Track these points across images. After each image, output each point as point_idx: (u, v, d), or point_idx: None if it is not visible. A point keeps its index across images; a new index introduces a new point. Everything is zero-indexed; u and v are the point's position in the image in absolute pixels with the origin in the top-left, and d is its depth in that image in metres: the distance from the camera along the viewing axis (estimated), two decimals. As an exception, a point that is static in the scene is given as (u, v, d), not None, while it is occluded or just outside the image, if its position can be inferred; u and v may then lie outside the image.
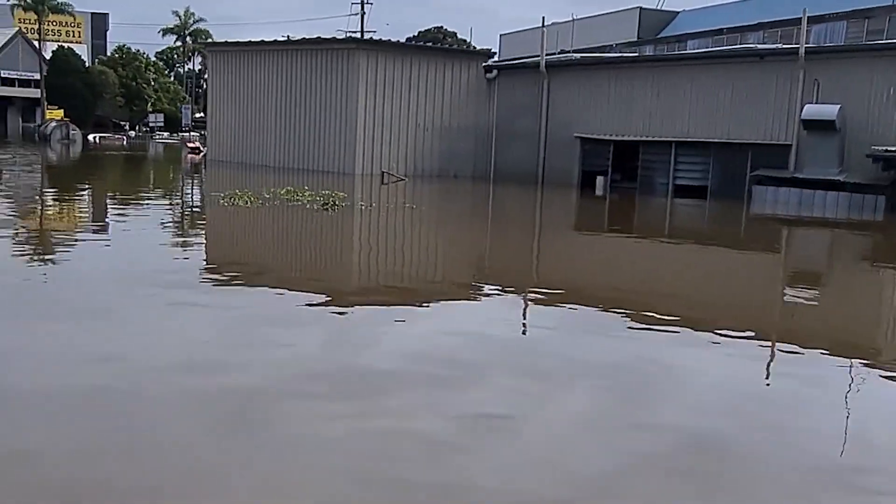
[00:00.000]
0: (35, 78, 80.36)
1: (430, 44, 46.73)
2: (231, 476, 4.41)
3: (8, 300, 8.36)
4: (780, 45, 28.75)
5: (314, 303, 8.91)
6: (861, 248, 17.26)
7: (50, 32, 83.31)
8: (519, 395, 5.94)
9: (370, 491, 4.30)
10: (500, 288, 10.39)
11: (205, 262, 11.77)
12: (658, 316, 8.56)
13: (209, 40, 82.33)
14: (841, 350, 7.63)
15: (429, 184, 28.98)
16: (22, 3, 75.72)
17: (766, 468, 4.80)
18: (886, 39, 29.83)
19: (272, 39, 36.09)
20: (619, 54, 34.28)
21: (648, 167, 28.27)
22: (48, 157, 42.24)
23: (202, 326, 7.59)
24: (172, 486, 4.28)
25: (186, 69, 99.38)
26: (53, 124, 59.99)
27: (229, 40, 37.17)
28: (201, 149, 46.71)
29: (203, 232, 16.02)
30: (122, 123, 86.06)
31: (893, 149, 21.44)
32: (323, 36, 33.95)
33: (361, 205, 19.61)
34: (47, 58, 79.20)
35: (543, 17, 31.81)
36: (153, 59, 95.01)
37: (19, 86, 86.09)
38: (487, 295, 9.99)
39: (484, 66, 32.81)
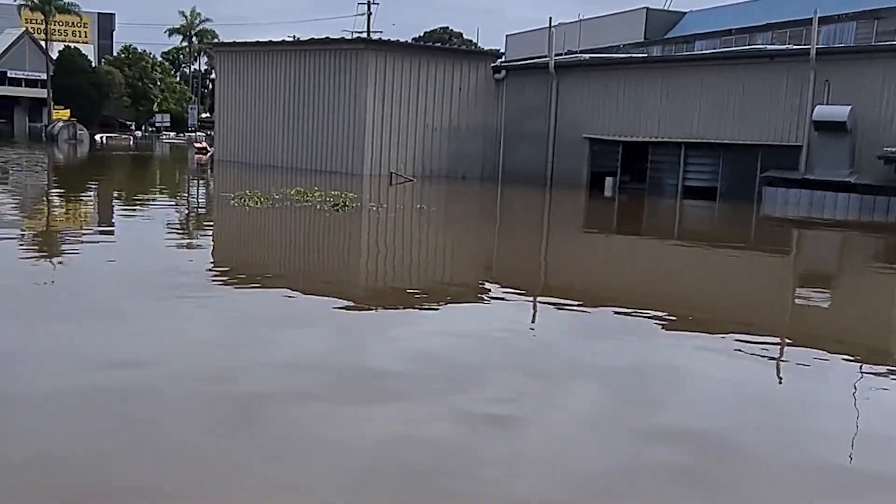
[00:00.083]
0: (42, 78, 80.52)
1: (437, 44, 46.60)
2: (236, 476, 4.41)
3: (19, 302, 8.34)
4: (790, 46, 28.71)
5: (332, 305, 8.89)
6: (873, 250, 17.19)
7: (56, 32, 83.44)
8: (526, 397, 5.94)
9: (373, 490, 4.30)
10: (513, 290, 10.34)
11: (218, 264, 11.72)
12: (670, 318, 8.54)
13: (216, 40, 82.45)
14: (854, 352, 7.59)
15: (437, 185, 28.94)
16: (29, 3, 75.85)
17: (771, 470, 4.77)
18: (896, 40, 29.72)
19: (280, 39, 36.11)
20: (629, 55, 34.19)
21: (658, 168, 28.20)
22: (56, 158, 42.28)
23: (215, 327, 7.56)
24: (180, 486, 4.29)
25: (192, 69, 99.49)
26: (61, 124, 60.09)
27: (237, 40, 37.17)
28: (208, 149, 46.74)
29: (215, 233, 15.98)
30: (129, 123, 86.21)
31: (905, 150, 21.37)
32: (328, 36, 33.93)
33: (371, 206, 19.57)
34: (54, 58, 79.34)
35: (550, 18, 31.76)
36: (159, 59, 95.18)
37: (26, 86, 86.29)
38: (501, 297, 9.93)
39: (492, 67, 32.76)
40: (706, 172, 27.03)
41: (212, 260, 12.17)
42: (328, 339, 7.43)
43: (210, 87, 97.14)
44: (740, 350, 7.41)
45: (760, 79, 25.58)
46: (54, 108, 73.49)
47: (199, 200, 23.73)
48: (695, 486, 4.58)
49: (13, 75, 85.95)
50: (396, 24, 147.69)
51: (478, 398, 5.79)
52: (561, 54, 32.80)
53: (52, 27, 79.76)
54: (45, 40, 78.74)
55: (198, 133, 69.67)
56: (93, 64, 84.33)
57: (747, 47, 32.66)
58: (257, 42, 35.61)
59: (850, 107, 22.54)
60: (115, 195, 23.95)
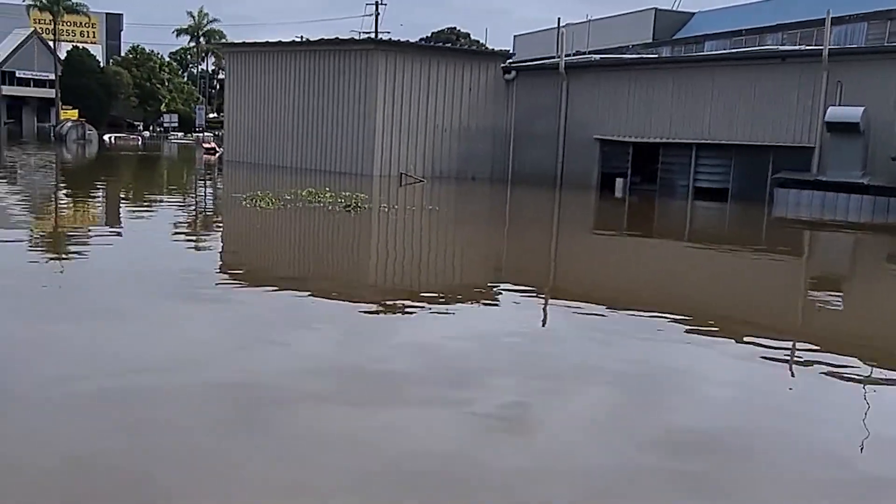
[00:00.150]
0: (50, 78, 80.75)
1: (447, 45, 46.57)
2: (243, 475, 4.41)
3: (32, 302, 8.33)
4: (802, 47, 28.61)
5: (348, 306, 8.87)
6: (887, 252, 17.10)
7: (65, 33, 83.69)
8: (539, 400, 5.94)
9: (378, 489, 4.30)
10: (528, 292, 10.31)
11: (233, 266, 11.69)
12: (688, 321, 8.49)
13: (223, 41, 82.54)
14: (870, 355, 7.53)
15: (447, 185, 28.90)
16: (37, 3, 76.03)
17: (778, 474, 4.75)
18: (909, 41, 29.62)
19: (290, 40, 36.11)
20: (640, 55, 34.10)
21: (668, 169, 28.12)
22: (66, 158, 42.34)
23: (231, 328, 7.55)
24: (189, 485, 4.32)
25: (200, 69, 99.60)
26: (69, 124, 60.16)
27: (247, 41, 37.18)
28: (217, 149, 46.76)
29: (229, 235, 15.95)
30: (136, 124, 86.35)
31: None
32: (338, 36, 33.90)
33: (383, 207, 19.54)
34: (62, 58, 79.53)
35: (559, 19, 31.83)
36: (167, 59, 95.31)
37: (34, 86, 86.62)
38: (518, 299, 9.89)
39: (503, 67, 32.70)
40: (717, 174, 26.94)
41: (226, 261, 12.13)
42: (343, 339, 7.43)
43: (217, 87, 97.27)
44: (765, 357, 7.35)
45: (772, 79, 25.49)
46: (62, 108, 73.67)
47: (211, 201, 23.72)
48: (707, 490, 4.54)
49: (22, 75, 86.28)
50: (404, 25, 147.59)
51: (489, 400, 5.77)
52: (569, 55, 32.74)
53: (61, 27, 79.95)
54: (54, 40, 78.92)
55: (205, 133, 69.74)
56: (101, 64, 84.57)
57: (759, 48, 32.52)
58: (267, 42, 35.61)
59: (863, 108, 22.43)
60: (128, 196, 23.93)
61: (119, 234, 14.91)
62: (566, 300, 9.73)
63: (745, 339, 7.85)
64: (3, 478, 4.28)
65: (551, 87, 30.98)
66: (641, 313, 8.95)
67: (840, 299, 11.32)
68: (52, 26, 78.09)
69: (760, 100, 25.69)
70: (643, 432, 5.32)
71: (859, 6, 36.60)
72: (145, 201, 21.58)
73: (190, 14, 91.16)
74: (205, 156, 45.63)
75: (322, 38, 33.56)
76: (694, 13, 58.46)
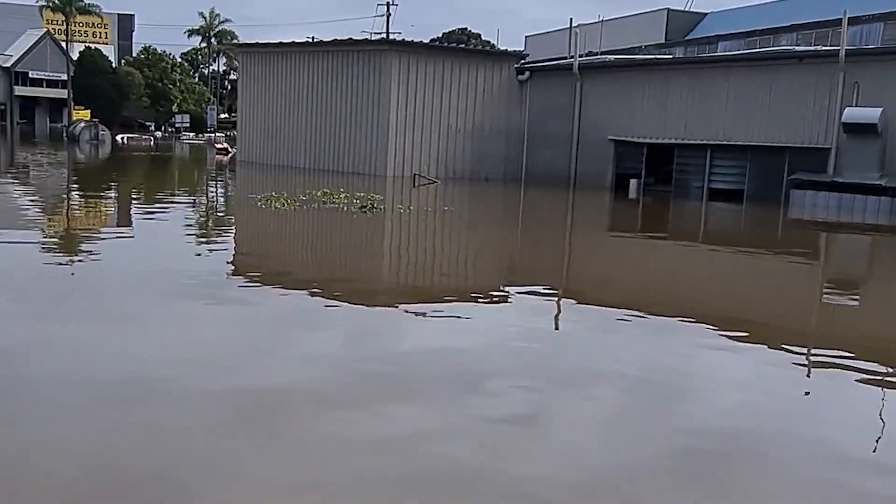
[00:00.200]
0: (62, 78, 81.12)
1: (461, 45, 46.52)
2: (252, 474, 4.43)
3: (48, 304, 8.32)
4: (818, 47, 28.45)
5: (369, 307, 8.85)
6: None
7: (77, 33, 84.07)
8: (544, 398, 5.95)
9: (385, 489, 4.32)
10: (548, 294, 10.24)
11: (251, 267, 11.67)
12: (701, 322, 8.42)
13: (235, 41, 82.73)
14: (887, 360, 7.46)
15: (461, 186, 28.84)
16: (50, 4, 76.35)
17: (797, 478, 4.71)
18: (925, 41, 29.44)
19: (303, 41, 36.13)
20: (654, 56, 33.98)
21: (683, 170, 28.00)
22: (79, 158, 42.47)
23: (250, 329, 7.53)
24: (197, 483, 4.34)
25: (211, 70, 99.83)
26: (83, 125, 60.35)
27: (260, 41, 37.21)
28: (230, 150, 46.83)
29: (246, 236, 15.94)
30: (148, 124, 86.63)
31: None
32: (351, 37, 33.87)
33: (398, 208, 19.51)
34: (74, 58, 79.88)
35: (571, 19, 31.84)
36: (178, 59, 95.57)
37: (47, 86, 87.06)
38: (542, 301, 9.83)
39: (516, 68, 32.62)
40: (733, 175, 26.80)
41: (244, 263, 12.11)
42: (360, 341, 7.43)
43: (228, 87, 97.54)
44: (794, 362, 7.29)
45: (788, 80, 25.35)
46: (75, 109, 73.97)
47: (226, 202, 23.71)
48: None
49: (34, 76, 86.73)
50: (415, 26, 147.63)
51: (503, 400, 5.72)
52: (582, 55, 32.67)
53: (73, 28, 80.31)
54: (66, 41, 79.27)
55: (217, 134, 69.88)
56: (113, 65, 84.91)
57: (775, 48, 32.40)
58: (280, 43, 35.63)
59: (881, 109, 22.29)
60: (145, 196, 23.92)
61: (137, 234, 14.90)
62: (596, 304, 9.66)
63: (771, 343, 7.77)
64: (18, 478, 4.28)
65: (565, 87, 30.90)
66: (662, 317, 8.87)
67: (860, 302, 11.21)
68: (65, 27, 78.40)
69: (776, 100, 25.56)
70: (658, 436, 5.27)
71: (875, 6, 36.42)
72: (161, 202, 21.58)
73: (201, 15, 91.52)
74: (217, 156, 45.69)
75: (336, 39, 33.52)
76: (706, 13, 58.36)
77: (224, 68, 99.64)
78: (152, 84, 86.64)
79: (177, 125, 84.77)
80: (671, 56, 36.74)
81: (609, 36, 50.01)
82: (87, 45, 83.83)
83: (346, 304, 8.97)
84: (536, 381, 6.31)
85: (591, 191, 28.66)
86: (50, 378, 5.90)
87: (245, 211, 19.14)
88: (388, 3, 73.78)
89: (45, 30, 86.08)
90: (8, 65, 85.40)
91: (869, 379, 6.78)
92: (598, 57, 33.96)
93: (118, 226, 16.44)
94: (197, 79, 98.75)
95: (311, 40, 37.47)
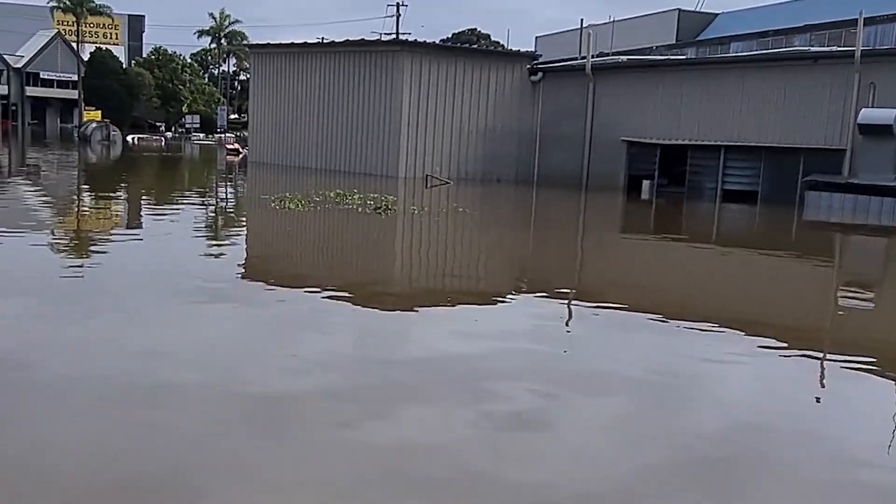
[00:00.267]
0: (73, 79, 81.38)
1: (474, 46, 46.46)
2: (258, 474, 4.46)
3: (64, 304, 8.30)
4: (833, 48, 28.30)
5: (391, 309, 8.81)
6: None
7: (88, 34, 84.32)
8: (557, 401, 5.94)
9: (392, 489, 4.33)
10: (568, 297, 10.18)
11: (270, 270, 11.64)
12: (717, 325, 8.38)
13: (245, 42, 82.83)
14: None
15: (473, 188, 28.77)
16: (61, 5, 76.58)
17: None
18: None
19: (315, 41, 36.11)
20: (667, 57, 33.88)
21: (697, 171, 27.88)
22: (93, 159, 42.57)
23: (266, 330, 7.49)
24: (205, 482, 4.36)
25: (221, 71, 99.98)
26: (94, 125, 60.46)
27: (272, 42, 37.20)
28: (240, 151, 46.85)
29: (261, 236, 15.93)
30: (158, 125, 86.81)
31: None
32: (355, 37, 33.77)
33: (412, 209, 19.46)
34: (85, 59, 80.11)
35: (582, 20, 31.79)
36: (188, 60, 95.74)
37: (58, 87, 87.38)
38: (563, 304, 9.78)
39: (528, 69, 32.53)
40: (746, 176, 26.68)
41: (263, 265, 12.09)
42: (378, 342, 7.43)
43: (238, 88, 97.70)
44: (789, 361, 7.21)
45: (803, 81, 25.22)
46: (85, 110, 74.18)
47: (241, 203, 23.68)
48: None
49: (45, 76, 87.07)
50: (425, 26, 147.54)
51: (512, 401, 5.64)
52: (593, 56, 32.56)
53: (84, 29, 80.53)
54: (77, 42, 79.50)
55: (227, 134, 69.96)
56: (123, 65, 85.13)
57: (788, 49, 32.25)
58: (292, 43, 35.62)
59: (897, 110, 22.17)
60: (161, 197, 23.88)
61: (156, 236, 14.88)
62: (612, 307, 9.59)
63: (790, 347, 7.72)
64: (30, 477, 4.30)
65: (578, 88, 30.81)
66: (680, 320, 8.81)
67: (878, 304, 11.11)
68: (76, 28, 78.64)
69: (791, 101, 25.43)
70: (673, 441, 5.23)
71: (890, 7, 36.22)
72: (177, 203, 21.59)
73: (211, 16, 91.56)
74: (227, 157, 45.68)
75: (348, 39, 33.48)
76: (718, 14, 58.19)
77: (234, 69, 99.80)
78: (162, 85, 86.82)
79: (187, 126, 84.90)
80: (685, 57, 36.63)
81: (620, 36, 49.89)
82: (97, 45, 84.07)
83: (367, 306, 8.94)
84: (550, 385, 6.28)
85: (604, 192, 28.57)
86: (67, 379, 5.92)
87: (260, 212, 19.11)
88: (397, 3, 73.76)
89: (56, 31, 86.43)
90: (19, 65, 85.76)
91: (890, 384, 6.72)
92: (611, 58, 33.84)
93: (135, 227, 16.45)
94: (207, 79, 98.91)
95: (321, 41, 37.44)
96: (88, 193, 23.88)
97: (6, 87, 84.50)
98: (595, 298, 9.94)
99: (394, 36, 62.15)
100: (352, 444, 4.89)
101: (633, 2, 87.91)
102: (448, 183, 29.40)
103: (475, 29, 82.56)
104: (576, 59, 35.84)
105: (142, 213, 19.16)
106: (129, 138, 60.82)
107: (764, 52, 30.94)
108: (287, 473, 4.43)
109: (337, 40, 34.17)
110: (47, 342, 6.89)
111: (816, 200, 23.36)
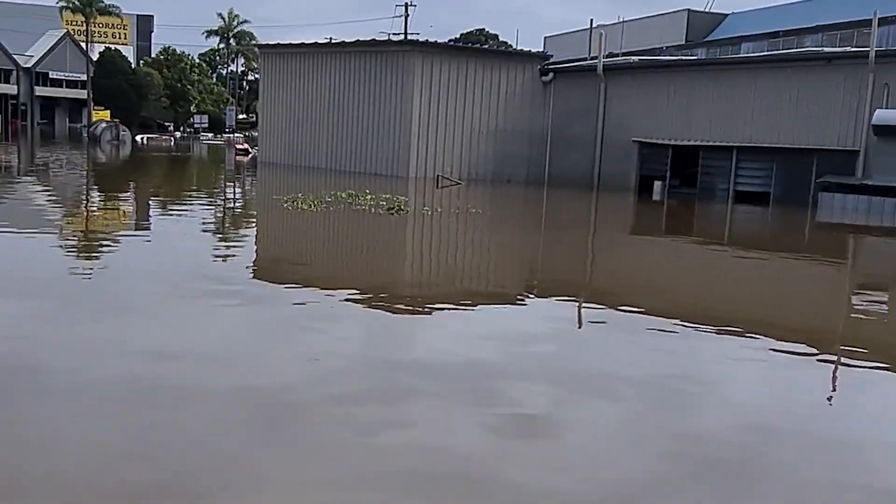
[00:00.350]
0: (82, 79, 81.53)
1: (485, 46, 46.40)
2: (264, 473, 4.45)
3: (100, 306, 8.29)
4: (847, 48, 28.17)
5: (410, 311, 8.77)
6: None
7: (97, 34, 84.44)
8: (560, 402, 5.93)
9: (398, 489, 4.33)
10: (587, 299, 10.13)
11: (288, 271, 11.61)
12: (732, 328, 8.31)
13: (253, 42, 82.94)
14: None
15: (484, 188, 28.70)
16: (70, 4, 76.72)
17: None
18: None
19: (325, 41, 36.07)
20: (679, 57, 33.78)
21: (708, 172, 27.79)
22: (104, 159, 42.64)
23: (283, 330, 7.46)
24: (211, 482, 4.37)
25: (229, 71, 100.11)
26: (104, 125, 60.56)
27: (282, 42, 37.18)
28: (250, 150, 46.89)
29: (278, 237, 15.91)
30: (167, 124, 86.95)
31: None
32: (362, 38, 33.73)
33: (425, 209, 19.41)
34: (94, 59, 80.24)
35: (592, 20, 31.64)
36: (197, 60, 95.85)
37: (67, 87, 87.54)
38: (593, 307, 9.72)
39: (539, 69, 32.44)
40: (759, 177, 26.57)
41: (281, 265, 12.05)
42: (390, 342, 7.42)
43: (247, 88, 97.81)
44: (803, 364, 7.14)
45: (816, 81, 25.11)
46: (94, 109, 74.30)
47: (254, 203, 23.65)
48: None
49: (55, 76, 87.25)
50: (433, 27, 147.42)
51: (521, 403, 5.60)
52: (603, 57, 32.47)
53: (93, 29, 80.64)
54: (86, 42, 79.63)
55: (236, 134, 70.02)
56: (132, 65, 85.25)
57: (801, 49, 32.11)
58: (302, 43, 35.60)
59: (912, 111, 22.06)
60: (175, 197, 23.85)
61: (174, 236, 14.88)
62: (630, 310, 9.53)
63: (806, 350, 7.67)
64: (39, 476, 4.30)
65: (589, 88, 30.71)
66: (694, 323, 8.74)
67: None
68: (85, 28, 78.79)
69: (804, 102, 25.31)
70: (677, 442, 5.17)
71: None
72: (190, 203, 21.58)
73: (220, 16, 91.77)
74: (237, 157, 45.69)
75: (358, 40, 33.44)
76: (727, 14, 58.00)
77: (242, 69, 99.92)
78: (171, 84, 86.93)
79: (195, 125, 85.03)
80: (696, 57, 36.51)
81: (629, 37, 49.76)
82: (106, 45, 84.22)
83: (388, 308, 8.89)
84: (565, 387, 6.26)
85: (615, 193, 28.47)
86: (83, 378, 5.89)
87: (273, 213, 19.08)
88: (406, 3, 73.72)
89: (65, 30, 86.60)
90: (29, 65, 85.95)
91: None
92: (622, 58, 33.74)
93: (152, 228, 16.42)
94: (215, 79, 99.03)
95: (329, 41, 37.42)
96: (105, 193, 23.94)
97: (15, 86, 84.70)
98: (613, 301, 9.87)
99: (402, 36, 62.12)
100: (359, 444, 4.90)
101: (641, 2, 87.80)
102: (459, 183, 29.33)
103: (483, 29, 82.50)
104: (585, 59, 35.75)
105: (158, 214, 19.13)
106: (138, 138, 60.95)
107: (777, 52, 30.81)
108: (296, 473, 4.44)
109: (347, 40, 34.11)
110: (62, 342, 6.90)
111: (830, 202, 23.27)
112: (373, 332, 7.86)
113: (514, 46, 61.49)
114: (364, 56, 32.42)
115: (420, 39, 34.90)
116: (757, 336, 8.04)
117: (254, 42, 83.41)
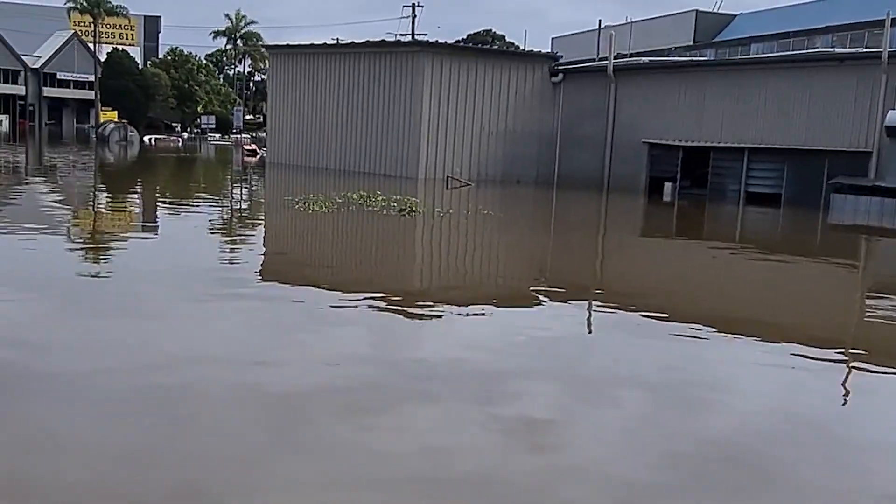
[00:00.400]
0: (89, 80, 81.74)
1: (494, 47, 46.34)
2: (270, 473, 4.46)
3: (119, 306, 8.26)
4: (859, 49, 28.03)
5: (428, 312, 8.72)
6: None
7: (104, 35, 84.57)
8: (566, 403, 5.93)
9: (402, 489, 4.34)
10: (598, 300, 10.07)
11: (305, 274, 11.58)
12: (744, 331, 8.26)
13: (260, 43, 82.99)
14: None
15: (493, 189, 28.63)
16: (78, 5, 76.90)
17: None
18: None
19: (334, 42, 36.05)
20: (689, 58, 33.69)
21: (719, 174, 27.68)
22: (113, 160, 42.70)
23: (297, 330, 7.43)
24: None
25: (236, 71, 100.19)
26: (112, 126, 60.69)
27: (290, 42, 37.18)
28: (258, 151, 46.88)
29: (291, 238, 15.88)
30: (174, 125, 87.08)
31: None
32: (369, 39, 33.70)
33: (437, 211, 19.36)
34: (102, 60, 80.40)
35: (600, 21, 31.55)
36: (204, 61, 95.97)
37: (74, 87, 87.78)
38: (606, 309, 9.66)
39: (549, 70, 32.36)
40: (770, 178, 26.46)
41: (297, 267, 12.02)
42: (402, 342, 7.40)
43: (254, 89, 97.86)
44: (816, 368, 7.07)
45: (828, 82, 24.98)
46: (102, 110, 74.45)
47: (266, 204, 23.61)
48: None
49: (62, 77, 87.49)
50: (441, 27, 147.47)
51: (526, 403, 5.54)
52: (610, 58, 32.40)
53: (100, 30, 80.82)
54: (94, 42, 79.81)
55: (243, 135, 70.08)
56: (139, 66, 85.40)
57: (814, 50, 31.97)
58: (311, 44, 35.59)
59: (925, 112, 21.94)
60: (188, 198, 23.82)
61: (189, 237, 14.90)
62: (644, 313, 9.48)
63: (820, 354, 7.61)
64: (40, 475, 4.31)
65: (599, 89, 30.63)
66: (705, 326, 8.68)
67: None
68: (93, 29, 78.96)
69: (815, 103, 25.19)
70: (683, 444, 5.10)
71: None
72: (203, 203, 21.57)
73: (227, 16, 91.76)
74: (245, 158, 45.67)
75: (368, 40, 33.41)
76: (736, 15, 57.84)
77: (249, 69, 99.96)
78: (178, 85, 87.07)
79: (202, 126, 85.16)
80: (707, 58, 36.40)
81: (637, 38, 49.67)
82: (114, 46, 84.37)
83: (404, 310, 8.86)
84: (575, 389, 6.25)
85: (625, 194, 28.38)
86: (96, 376, 5.89)
87: (285, 213, 19.05)
88: (413, 4, 73.67)
89: (73, 31, 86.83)
90: (37, 66, 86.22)
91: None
92: (632, 59, 33.65)
93: (168, 228, 16.44)
94: (222, 80, 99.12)
95: (336, 42, 37.39)
96: (120, 194, 23.98)
97: (23, 87, 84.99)
98: (628, 303, 9.82)
99: (410, 37, 62.11)
100: (365, 445, 4.90)
101: (649, 3, 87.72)
102: (469, 184, 29.27)
103: (490, 30, 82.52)
104: (594, 60, 35.68)
105: (173, 214, 19.11)
106: (146, 139, 61.04)
107: (788, 53, 30.68)
108: (303, 473, 4.46)
109: (356, 41, 34.07)
110: (75, 343, 6.94)
111: (842, 203, 23.16)
112: (394, 334, 7.84)
113: (522, 47, 61.49)
114: (373, 57, 32.38)
115: (428, 40, 34.84)
116: (776, 341, 8.00)
117: (261, 43, 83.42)
